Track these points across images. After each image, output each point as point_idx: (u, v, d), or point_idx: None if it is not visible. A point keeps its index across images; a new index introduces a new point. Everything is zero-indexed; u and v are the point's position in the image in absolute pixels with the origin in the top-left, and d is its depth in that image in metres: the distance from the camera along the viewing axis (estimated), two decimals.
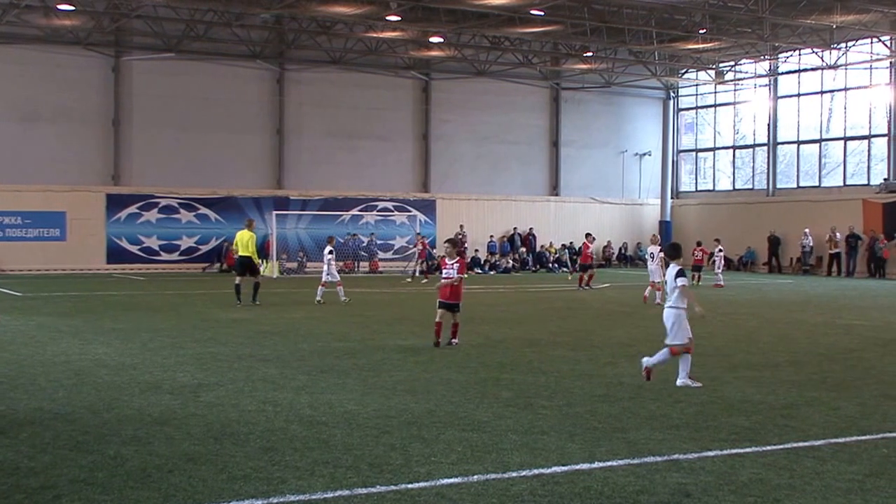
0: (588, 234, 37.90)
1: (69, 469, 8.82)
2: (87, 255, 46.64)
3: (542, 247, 55.45)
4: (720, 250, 42.45)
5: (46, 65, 45.80)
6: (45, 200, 45.90)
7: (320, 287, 29.05)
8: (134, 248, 47.79)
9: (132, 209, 47.70)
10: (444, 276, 18.37)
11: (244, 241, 28.14)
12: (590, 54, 51.92)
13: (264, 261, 42.15)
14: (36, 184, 45.64)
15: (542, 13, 42.28)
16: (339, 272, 30.79)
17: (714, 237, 45.11)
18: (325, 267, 29.39)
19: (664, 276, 16.71)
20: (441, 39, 48.44)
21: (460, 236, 51.33)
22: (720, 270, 41.58)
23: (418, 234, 46.21)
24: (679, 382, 13.81)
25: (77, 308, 26.60)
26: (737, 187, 58.37)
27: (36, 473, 8.68)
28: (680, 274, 14.01)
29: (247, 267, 28.17)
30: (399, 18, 43.06)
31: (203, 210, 49.00)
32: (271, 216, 47.64)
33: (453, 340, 18.20)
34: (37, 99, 45.86)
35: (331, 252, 29.35)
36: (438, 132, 54.23)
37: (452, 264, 18.28)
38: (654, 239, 31.87)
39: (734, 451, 9.88)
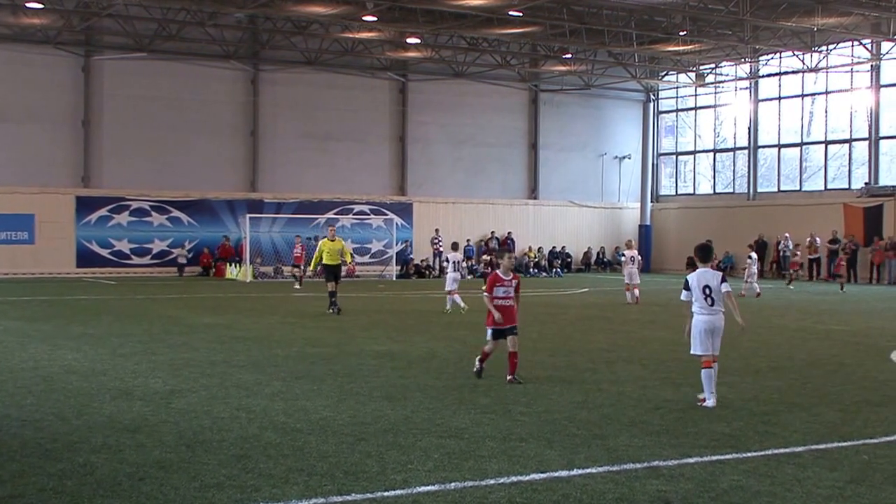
0: (630, 241, 36.15)
1: (37, 477, 8.73)
2: (57, 258, 45.92)
3: (523, 253, 54.93)
4: (751, 257, 38.86)
5: (14, 64, 45.17)
6: (12, 202, 45.17)
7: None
8: (105, 252, 47.16)
9: (103, 212, 47.07)
10: (499, 295, 14.78)
11: (332, 250, 27.08)
12: (569, 56, 51.78)
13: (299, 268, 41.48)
14: (3, 185, 44.94)
15: (520, 14, 42.10)
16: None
17: (748, 243, 44.16)
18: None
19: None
20: (418, 40, 48.15)
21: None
22: (753, 279, 37.72)
23: (298, 236, 43.27)
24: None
25: (46, 313, 26.38)
26: (717, 191, 57.99)
27: (3, 482, 8.57)
28: (724, 280, 12.93)
29: (333, 274, 26.95)
30: (375, 19, 42.72)
31: (175, 213, 48.42)
32: (245, 219, 47.09)
33: (513, 377, 14.49)
34: (4, 98, 45.18)
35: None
36: (415, 134, 53.76)
37: (510, 281, 14.91)
38: (630, 244, 34.02)
39: (715, 457, 9.85)
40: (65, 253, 46.27)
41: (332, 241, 27.26)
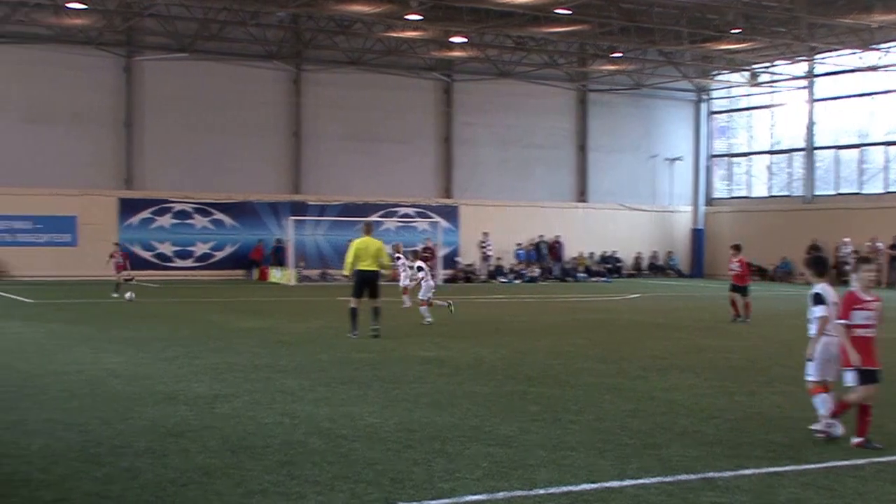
0: (738, 246, 28.88)
1: (82, 482, 8.73)
2: (99, 261, 45.28)
3: (573, 258, 54.14)
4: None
5: (56, 65, 45.07)
6: (55, 204, 45.09)
7: None
8: (147, 255, 46.87)
9: (145, 214, 46.93)
10: (858, 322, 10.67)
11: (371, 251, 21.10)
12: (618, 55, 51.04)
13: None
14: (46, 187, 44.84)
15: (568, 12, 41.57)
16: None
17: (805, 248, 42.76)
18: None
19: None
20: (464, 39, 47.56)
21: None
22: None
23: (115, 243, 37.95)
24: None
25: (89, 316, 26.43)
26: (773, 194, 56.68)
27: (49, 486, 8.59)
28: (818, 301, 10.92)
29: (369, 285, 21.01)
30: (420, 18, 42.36)
31: (218, 215, 48.12)
32: (288, 222, 46.76)
33: (865, 440, 10.64)
34: (47, 100, 45.08)
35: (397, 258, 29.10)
36: (461, 135, 53.11)
37: (873, 303, 10.79)
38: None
39: (772, 469, 9.60)
40: (107, 255, 45.85)
41: (369, 240, 21.36)
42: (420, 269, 26.15)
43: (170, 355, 17.68)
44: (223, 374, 15.29)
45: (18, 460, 9.50)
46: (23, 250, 44.55)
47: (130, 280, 34.48)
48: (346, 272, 21.69)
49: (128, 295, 32.00)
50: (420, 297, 25.37)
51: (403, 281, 30.74)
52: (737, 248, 28.33)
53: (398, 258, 30.61)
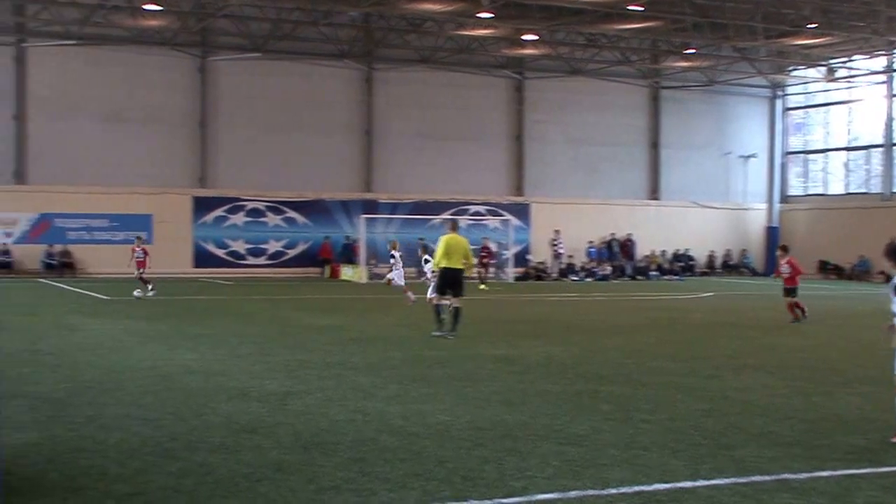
0: (785, 247, 27.53)
1: (157, 476, 8.84)
2: (174, 258, 46.12)
3: (645, 257, 53.77)
4: None
5: (133, 65, 45.85)
6: (131, 203, 45.83)
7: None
8: (220, 252, 47.43)
9: (219, 212, 47.45)
10: None
11: (460, 248, 20.49)
12: (691, 51, 50.52)
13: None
14: (122, 186, 45.58)
15: (640, 9, 41.41)
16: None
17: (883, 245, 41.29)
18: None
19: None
20: (535, 37, 47.40)
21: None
22: None
23: (138, 237, 35.30)
24: None
25: (164, 313, 26.60)
26: (850, 191, 55.77)
27: (124, 479, 8.71)
28: None
29: (454, 282, 20.36)
30: (491, 15, 42.29)
31: (290, 213, 48.56)
32: (360, 220, 47.02)
33: None
34: (123, 100, 45.82)
35: (391, 257, 28.63)
36: (532, 133, 52.96)
37: None
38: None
39: (849, 471, 9.37)
40: (182, 253, 46.67)
41: (458, 237, 20.78)
42: (427, 261, 25.98)
43: (243, 352, 17.77)
44: (295, 371, 15.30)
45: (95, 454, 9.60)
46: (100, 248, 45.32)
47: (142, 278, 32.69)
48: (435, 267, 21.27)
49: (136, 293, 31.45)
50: (388, 277, 25.52)
51: (396, 278, 30.40)
52: (784, 249, 27.05)
53: (392, 255, 30.74)
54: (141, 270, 32.66)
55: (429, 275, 25.29)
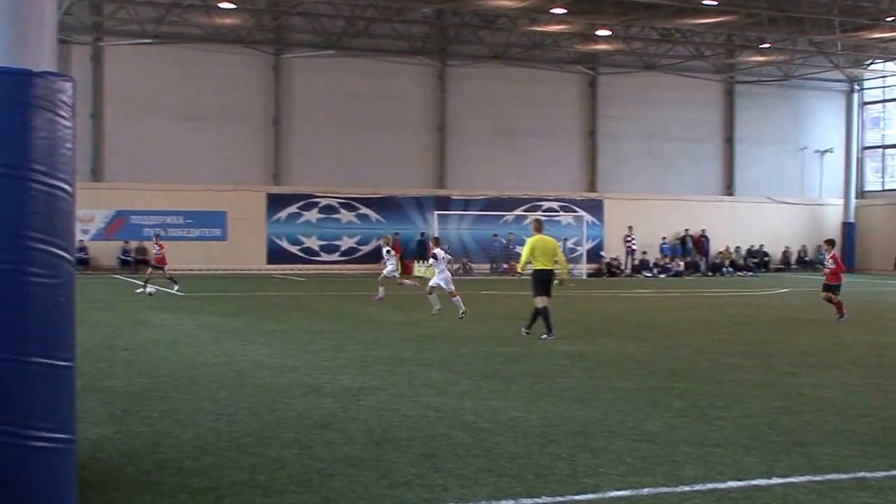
0: (832, 241, 26.39)
1: (231, 470, 8.90)
2: (248, 255, 46.75)
3: (719, 253, 53.20)
4: None
5: (208, 64, 46.33)
6: (206, 200, 46.42)
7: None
8: (294, 249, 47.81)
9: (292, 209, 47.83)
10: None
11: (548, 249, 19.81)
12: (766, 46, 49.87)
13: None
14: (198, 183, 46.11)
15: (715, 3, 41.25)
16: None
17: None
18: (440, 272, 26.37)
19: None
20: (608, 32, 47.21)
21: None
22: None
23: (157, 234, 36.14)
24: None
25: (238, 308, 26.82)
26: None
27: (199, 474, 8.79)
28: None
29: (545, 284, 19.69)
30: (565, 11, 42.31)
31: (364, 210, 48.80)
32: (433, 216, 47.13)
33: None
34: (199, 98, 46.38)
35: (433, 257, 25.73)
36: (605, 129, 52.71)
37: None
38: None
39: None
40: (256, 249, 47.14)
41: (545, 238, 20.07)
42: (434, 256, 25.50)
43: (316, 348, 17.82)
44: (368, 367, 15.34)
45: (171, 449, 9.71)
46: (176, 244, 45.30)
47: (151, 278, 32.30)
48: (520, 269, 20.76)
49: (150, 289, 31.27)
50: (430, 285, 24.81)
51: (390, 272, 30.36)
52: (831, 242, 25.95)
53: (387, 251, 30.92)
54: (163, 267, 32.61)
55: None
